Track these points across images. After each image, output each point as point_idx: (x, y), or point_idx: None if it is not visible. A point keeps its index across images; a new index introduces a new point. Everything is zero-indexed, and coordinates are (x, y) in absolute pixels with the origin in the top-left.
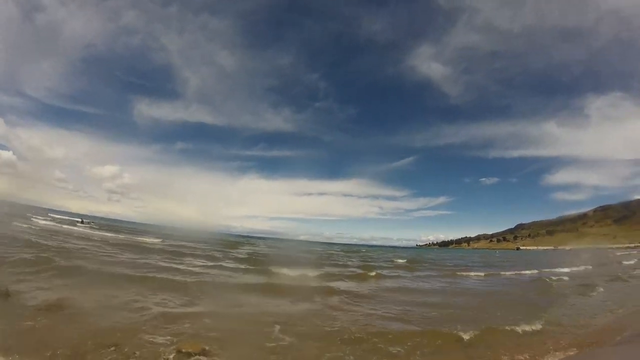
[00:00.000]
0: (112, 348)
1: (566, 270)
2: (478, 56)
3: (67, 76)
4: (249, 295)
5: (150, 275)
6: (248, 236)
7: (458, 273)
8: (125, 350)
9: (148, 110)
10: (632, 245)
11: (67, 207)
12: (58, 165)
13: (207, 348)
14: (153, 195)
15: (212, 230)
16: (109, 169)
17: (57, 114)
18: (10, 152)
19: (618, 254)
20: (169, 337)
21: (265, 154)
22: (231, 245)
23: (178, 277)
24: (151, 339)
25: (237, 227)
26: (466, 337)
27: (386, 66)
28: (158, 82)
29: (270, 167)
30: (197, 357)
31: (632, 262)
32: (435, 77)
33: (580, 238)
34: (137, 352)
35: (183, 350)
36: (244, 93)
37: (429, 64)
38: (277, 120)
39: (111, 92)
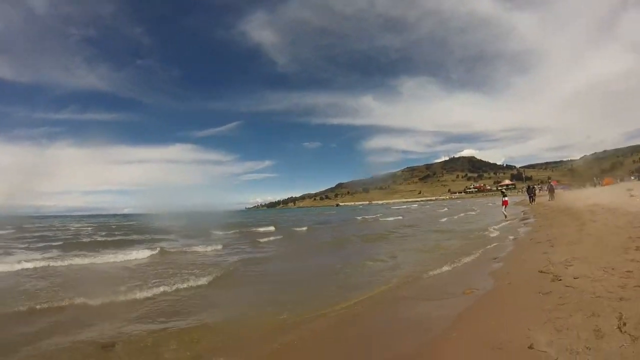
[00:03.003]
0: None
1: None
2: (308, 31)
3: None
4: None
5: None
6: (58, 216)
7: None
8: None
9: None
10: (433, 198)
11: None
12: None
13: None
14: None
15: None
16: None
17: None
18: None
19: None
20: None
21: (78, 117)
22: None
23: None
24: None
25: (50, 207)
26: None
27: (217, 28)
28: None
29: (83, 133)
30: None
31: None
32: (266, 44)
33: (391, 194)
34: None
35: None
36: (55, 43)
37: (260, 31)
38: (92, 78)
39: None
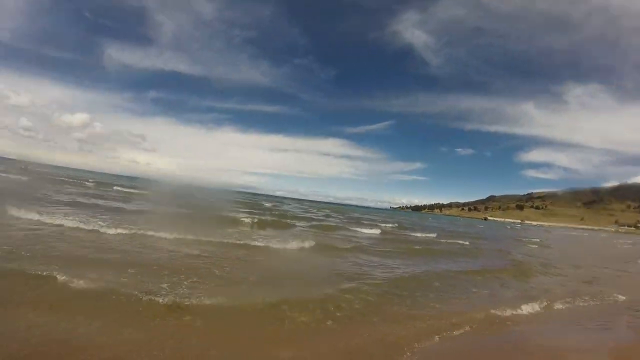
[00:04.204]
0: None
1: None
2: (463, 30)
3: (33, 15)
4: None
5: None
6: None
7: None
8: None
9: (119, 55)
10: (596, 228)
11: (38, 158)
12: (25, 113)
13: None
14: (126, 146)
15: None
16: (78, 117)
17: (23, 57)
18: None
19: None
20: None
21: (242, 107)
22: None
23: None
24: None
25: (212, 182)
26: None
27: (370, 29)
28: (130, 25)
29: (246, 121)
30: None
31: None
32: (418, 45)
33: (547, 216)
34: None
35: None
36: (221, 43)
37: (412, 31)
38: (255, 74)
39: (79, 34)
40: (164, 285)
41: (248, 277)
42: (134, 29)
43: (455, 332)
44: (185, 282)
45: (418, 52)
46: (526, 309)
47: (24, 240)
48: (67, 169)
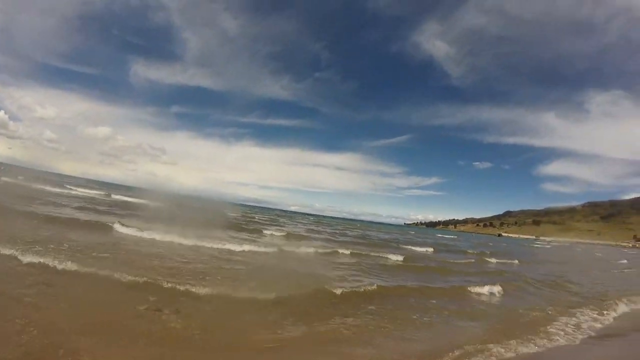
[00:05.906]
0: None
1: None
2: (484, 39)
3: (63, 34)
4: None
5: None
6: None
7: None
8: None
9: (144, 71)
10: (613, 243)
11: (59, 169)
12: (50, 125)
13: None
14: (146, 159)
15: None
16: (102, 130)
17: (51, 73)
18: (2, 112)
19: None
20: None
21: (261, 121)
22: None
23: None
24: None
25: (227, 194)
26: None
27: (391, 41)
28: (156, 42)
29: (265, 135)
30: None
31: None
32: (439, 56)
33: (565, 231)
34: None
35: None
36: (245, 58)
37: (433, 42)
38: (276, 88)
39: (107, 51)
40: None
41: None
42: (161, 46)
43: None
44: None
45: (439, 63)
46: None
47: None
48: (82, 179)
